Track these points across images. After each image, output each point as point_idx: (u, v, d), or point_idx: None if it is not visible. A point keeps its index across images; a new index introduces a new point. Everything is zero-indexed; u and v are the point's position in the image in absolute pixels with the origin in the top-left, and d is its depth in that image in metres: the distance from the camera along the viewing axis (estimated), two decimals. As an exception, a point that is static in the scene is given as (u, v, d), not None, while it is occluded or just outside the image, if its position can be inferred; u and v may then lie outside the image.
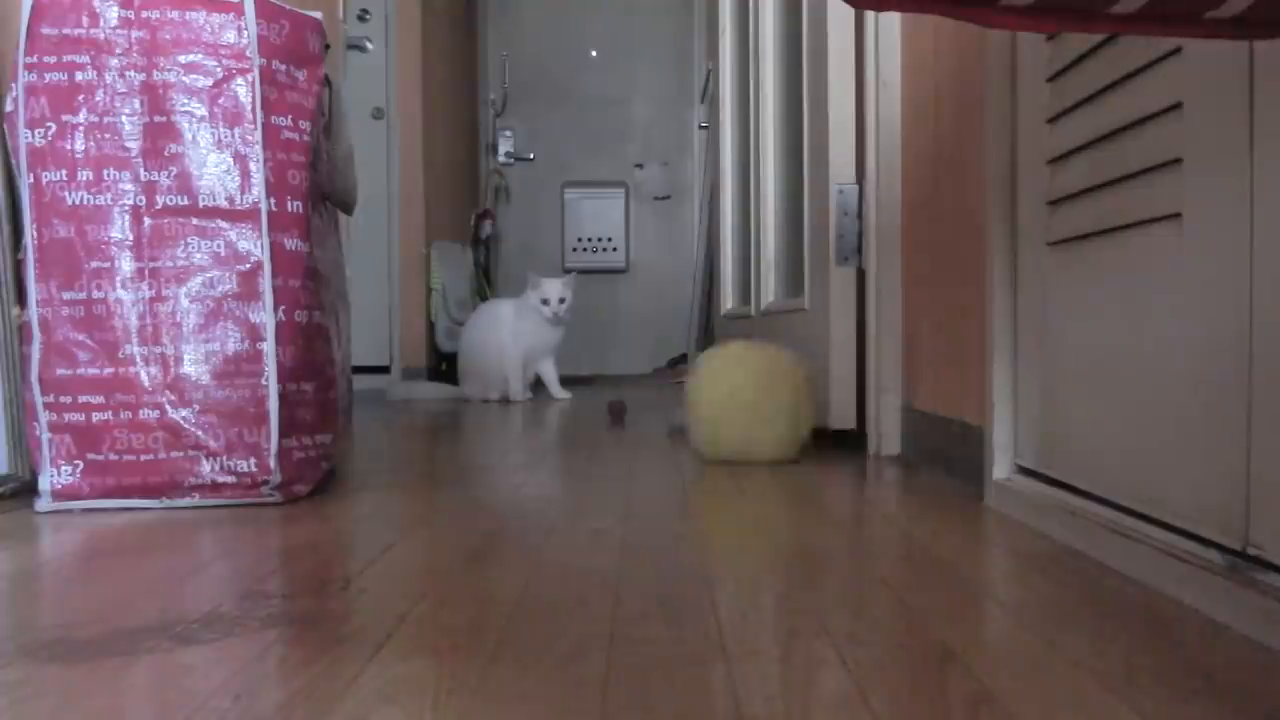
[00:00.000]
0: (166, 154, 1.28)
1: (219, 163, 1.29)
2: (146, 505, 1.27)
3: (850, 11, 1.82)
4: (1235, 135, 0.77)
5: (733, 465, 1.64)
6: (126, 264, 1.26)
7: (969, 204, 1.42)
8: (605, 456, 1.79)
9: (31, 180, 1.25)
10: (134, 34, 1.28)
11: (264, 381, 1.28)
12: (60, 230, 1.25)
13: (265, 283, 1.29)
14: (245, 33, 1.30)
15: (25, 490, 1.34)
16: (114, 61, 1.27)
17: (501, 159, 4.99)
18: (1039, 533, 1.09)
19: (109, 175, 1.26)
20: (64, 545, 1.07)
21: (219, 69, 1.29)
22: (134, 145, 1.27)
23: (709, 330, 3.63)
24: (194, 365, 1.27)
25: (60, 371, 1.25)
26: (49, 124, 1.26)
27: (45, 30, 1.26)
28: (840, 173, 1.85)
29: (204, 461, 1.26)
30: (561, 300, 3.27)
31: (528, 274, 3.37)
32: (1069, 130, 1.06)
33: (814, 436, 1.73)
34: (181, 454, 1.26)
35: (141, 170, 1.27)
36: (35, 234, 1.25)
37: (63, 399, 1.25)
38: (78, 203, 1.26)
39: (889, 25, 1.77)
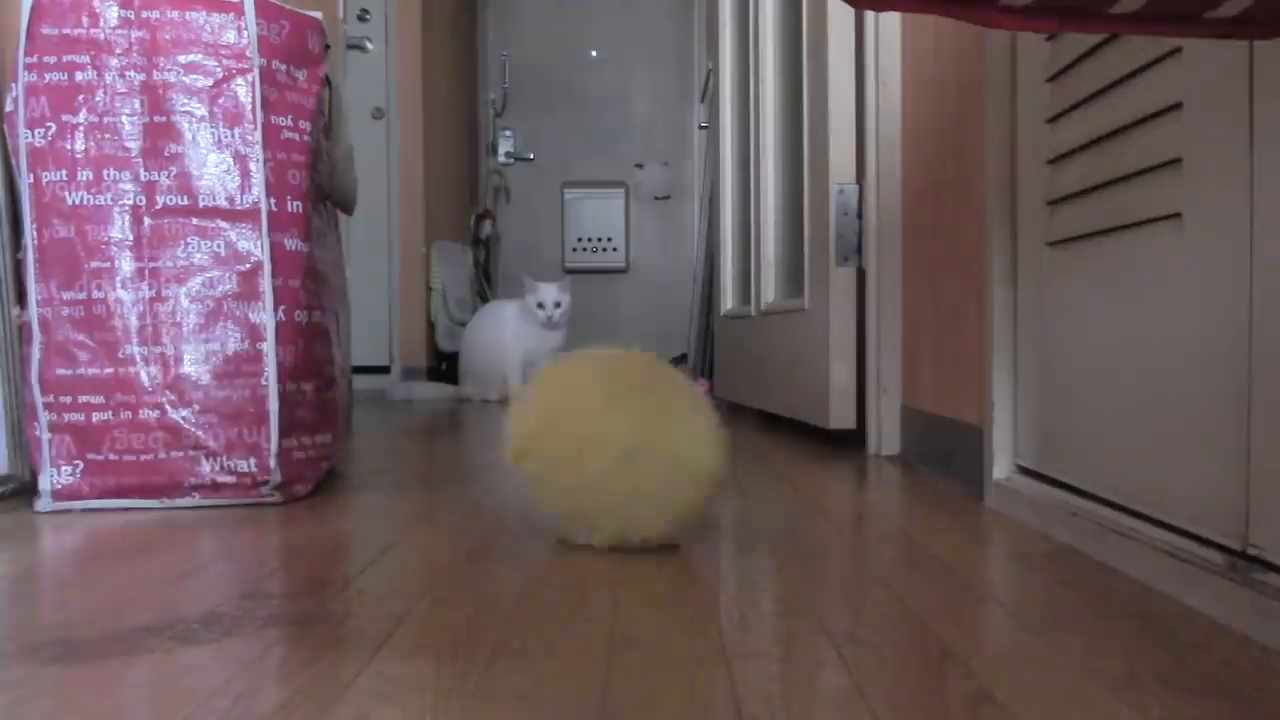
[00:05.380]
0: (166, 154, 1.28)
1: (219, 163, 1.29)
2: (146, 505, 1.27)
3: (850, 11, 1.82)
4: (1235, 135, 0.77)
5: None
6: (126, 264, 1.26)
7: (969, 204, 1.41)
8: (605, 456, 1.79)
9: (31, 180, 1.25)
10: (134, 34, 1.28)
11: (264, 381, 1.28)
12: (60, 230, 1.25)
13: (265, 283, 1.29)
14: (245, 33, 1.30)
15: (25, 490, 1.34)
16: (114, 61, 1.27)
17: (501, 159, 4.99)
18: (1039, 533, 1.09)
19: (109, 175, 1.26)
20: (64, 545, 1.07)
21: (219, 69, 1.29)
22: (134, 145, 1.27)
23: (709, 330, 3.62)
24: (194, 365, 1.27)
25: (60, 371, 1.25)
26: (49, 124, 1.26)
27: (45, 30, 1.26)
28: (840, 173, 1.85)
29: (204, 461, 1.26)
30: (557, 305, 3.25)
31: (524, 277, 3.37)
32: (1069, 130, 1.06)
33: (814, 436, 1.72)
34: (181, 454, 1.26)
35: (141, 170, 1.27)
36: (35, 234, 1.25)
37: (63, 399, 1.24)
38: (78, 203, 1.26)
39: (889, 25, 1.77)
